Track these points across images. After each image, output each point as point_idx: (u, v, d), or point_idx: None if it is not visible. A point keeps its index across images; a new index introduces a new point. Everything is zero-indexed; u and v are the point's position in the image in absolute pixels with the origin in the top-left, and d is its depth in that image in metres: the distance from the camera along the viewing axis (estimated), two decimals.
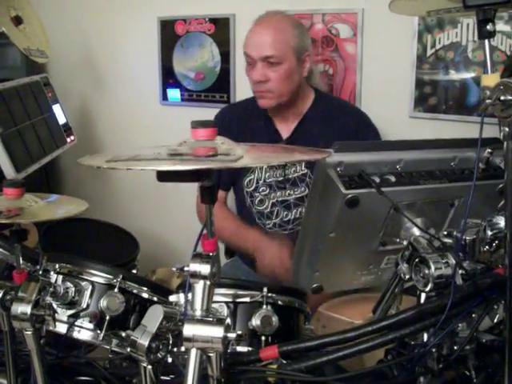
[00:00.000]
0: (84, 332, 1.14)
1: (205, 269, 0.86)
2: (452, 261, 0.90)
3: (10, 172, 1.87)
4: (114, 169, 0.76)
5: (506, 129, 0.86)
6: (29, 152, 1.99)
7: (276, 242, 1.81)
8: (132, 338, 0.95)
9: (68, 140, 2.36)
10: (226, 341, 0.84)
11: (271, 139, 1.93)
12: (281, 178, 1.91)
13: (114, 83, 2.73)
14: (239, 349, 1.05)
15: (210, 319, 0.85)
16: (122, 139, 2.75)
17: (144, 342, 0.94)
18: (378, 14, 2.02)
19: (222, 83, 2.45)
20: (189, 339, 0.84)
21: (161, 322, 0.95)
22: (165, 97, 2.61)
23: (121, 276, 1.17)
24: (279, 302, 1.10)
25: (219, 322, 0.85)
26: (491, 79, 0.90)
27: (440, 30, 1.91)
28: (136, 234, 2.27)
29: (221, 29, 2.38)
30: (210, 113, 2.10)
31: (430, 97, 1.99)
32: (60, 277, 1.13)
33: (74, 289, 1.12)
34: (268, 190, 1.93)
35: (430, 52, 1.95)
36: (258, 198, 1.95)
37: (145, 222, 2.76)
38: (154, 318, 0.97)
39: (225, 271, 2.10)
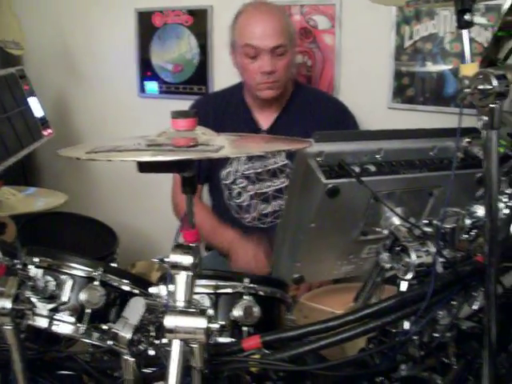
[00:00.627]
0: (64, 326, 1.12)
1: (186, 259, 0.86)
2: (432, 249, 0.91)
3: None
4: (94, 160, 0.75)
5: (485, 118, 0.87)
6: (5, 145, 1.95)
7: (252, 243, 1.81)
8: (113, 330, 0.94)
9: (45, 133, 2.32)
10: (208, 332, 0.84)
11: (250, 130, 1.92)
12: (260, 170, 1.91)
13: (91, 76, 2.69)
14: (221, 340, 1.04)
15: (193, 310, 0.85)
16: (100, 132, 2.72)
17: (126, 334, 0.93)
18: (356, 6, 2.03)
19: (200, 75, 2.43)
20: (171, 330, 0.84)
21: (142, 315, 0.94)
22: (142, 89, 2.59)
23: (101, 269, 1.15)
24: (260, 293, 1.10)
25: (202, 312, 0.84)
26: (469, 69, 0.91)
27: (417, 21, 1.93)
28: (115, 228, 2.25)
29: (198, 20, 2.37)
30: (188, 105, 2.09)
31: (408, 88, 2.01)
32: (40, 271, 1.11)
33: (54, 282, 1.10)
34: (246, 183, 1.93)
35: (407, 43, 1.97)
36: (236, 191, 1.94)
37: (124, 215, 2.74)
38: (135, 310, 0.96)
39: (204, 263, 2.10)
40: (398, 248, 0.93)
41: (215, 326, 0.84)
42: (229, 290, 1.08)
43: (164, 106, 2.53)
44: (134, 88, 2.60)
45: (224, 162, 1.95)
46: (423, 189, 1.12)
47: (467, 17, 0.89)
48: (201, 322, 0.83)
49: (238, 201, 1.95)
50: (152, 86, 2.57)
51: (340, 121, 1.92)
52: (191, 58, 2.44)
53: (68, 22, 2.66)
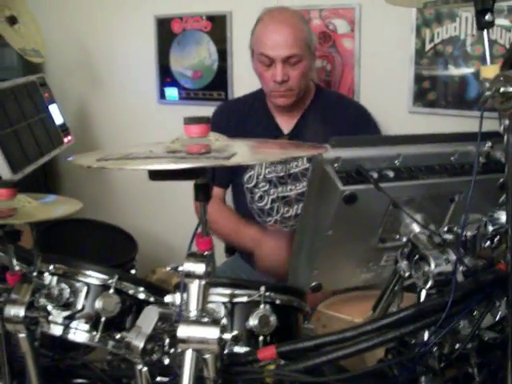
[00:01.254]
0: (79, 334, 1.12)
1: (199, 268, 0.85)
2: (453, 257, 0.88)
3: (6, 173, 1.86)
4: (104, 168, 0.74)
5: (506, 122, 0.84)
6: (25, 153, 1.97)
7: (275, 235, 1.79)
8: (127, 339, 0.93)
9: (65, 140, 2.34)
10: (221, 342, 0.82)
11: (272, 134, 1.91)
12: (282, 173, 1.90)
13: (111, 82, 2.71)
14: (237, 349, 1.03)
15: (205, 320, 0.83)
16: (120, 139, 2.73)
17: (139, 343, 0.92)
18: (376, 9, 2.00)
19: (219, 81, 2.43)
20: (183, 340, 0.82)
21: (156, 323, 0.93)
22: (162, 96, 2.59)
23: (116, 276, 1.15)
24: (277, 301, 1.08)
25: (214, 322, 0.83)
26: (490, 71, 0.88)
27: (438, 24, 1.89)
28: (135, 234, 2.26)
29: (217, 26, 2.37)
30: (207, 111, 2.07)
31: (429, 92, 1.97)
32: (55, 278, 1.11)
33: (68, 290, 1.10)
34: (268, 186, 1.92)
35: (428, 46, 1.93)
36: (258, 195, 1.94)
37: (144, 221, 2.74)
38: (148, 318, 0.95)
39: (225, 269, 2.09)
40: (416, 256, 0.90)
41: (228, 336, 0.82)
42: (244, 299, 1.06)
43: (184, 113, 2.52)
44: (153, 94, 2.61)
45: (246, 165, 1.94)
46: (444, 195, 1.09)
47: (488, 17, 0.86)
48: (213, 333, 0.81)
49: (260, 204, 1.94)
50: (172, 93, 2.58)
51: (361, 125, 1.90)
52: (210, 63, 2.44)
53: (88, 30, 2.69)
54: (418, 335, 0.89)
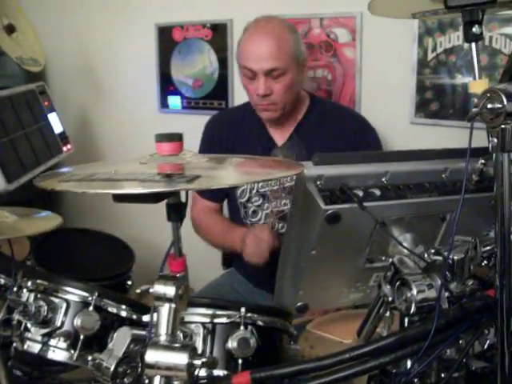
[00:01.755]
0: (58, 352, 1.09)
1: (169, 291, 0.81)
2: (437, 282, 0.84)
3: (0, 183, 1.84)
4: (66, 190, 0.71)
5: (495, 140, 0.80)
6: (21, 162, 1.95)
7: (257, 229, 1.79)
8: (97, 360, 0.90)
9: (64, 149, 2.32)
10: (191, 368, 0.79)
11: (265, 146, 1.87)
12: (276, 187, 1.85)
13: (112, 90, 2.70)
14: (216, 373, 0.99)
15: (175, 345, 0.80)
16: (121, 147, 2.72)
17: (110, 365, 0.89)
18: (377, 18, 1.92)
19: (220, 90, 2.40)
20: (151, 366, 0.79)
21: (128, 345, 0.90)
22: (163, 104, 2.57)
23: (96, 293, 1.12)
24: (259, 323, 1.04)
25: (184, 348, 0.79)
26: (479, 86, 0.84)
27: (441, 33, 1.84)
28: (134, 245, 2.24)
29: (218, 35, 2.34)
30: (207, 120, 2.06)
31: (432, 102, 1.93)
32: (32, 295, 1.09)
33: (46, 307, 1.07)
34: (261, 200, 1.87)
35: (430, 56, 1.88)
36: (251, 209, 1.89)
37: (144, 232, 2.72)
38: (121, 340, 0.92)
39: (221, 282, 2.05)
40: (398, 281, 0.85)
41: (198, 362, 0.79)
42: (224, 320, 1.03)
43: (184, 122, 2.51)
44: (154, 103, 2.59)
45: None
46: (435, 214, 1.05)
47: (475, 29, 0.82)
48: (182, 358, 0.78)
49: (253, 219, 1.89)
50: (175, 102, 2.55)
51: (359, 135, 1.84)
52: (211, 72, 2.41)
53: (90, 38, 2.68)
54: (400, 364, 0.85)
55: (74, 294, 1.12)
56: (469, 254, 0.88)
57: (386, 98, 2.03)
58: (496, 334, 0.83)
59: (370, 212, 0.95)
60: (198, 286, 2.34)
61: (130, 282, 2.16)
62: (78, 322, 1.09)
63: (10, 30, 1.94)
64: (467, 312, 0.83)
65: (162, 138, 0.80)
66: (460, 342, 0.84)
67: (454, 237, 0.91)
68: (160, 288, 0.81)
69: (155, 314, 0.83)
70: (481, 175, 1.03)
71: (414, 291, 0.81)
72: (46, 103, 2.27)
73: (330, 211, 0.93)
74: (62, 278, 1.15)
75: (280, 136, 1.88)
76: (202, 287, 2.08)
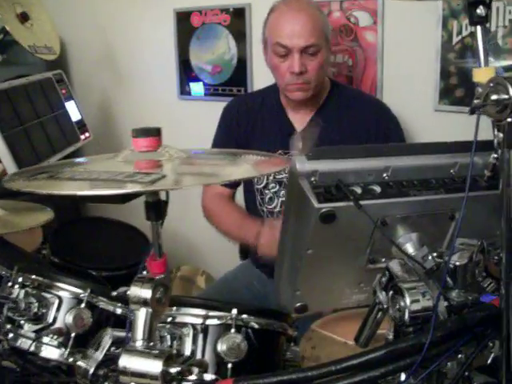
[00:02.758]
0: (49, 349, 1.06)
1: (145, 294, 0.77)
2: (436, 290, 0.77)
3: (12, 171, 1.84)
4: (33, 192, 0.67)
5: (501, 135, 0.72)
6: (35, 151, 1.95)
7: (272, 223, 1.71)
8: (78, 362, 0.87)
9: (82, 137, 2.31)
10: (166, 376, 0.74)
11: (284, 131, 1.82)
12: None
13: (132, 77, 2.67)
14: (206, 377, 0.94)
15: (150, 351, 0.75)
16: None
17: (89, 368, 0.86)
18: (399, 0, 1.85)
19: (239, 76, 2.34)
20: (125, 373, 0.75)
21: (109, 348, 0.86)
22: (183, 91, 2.53)
23: (89, 290, 1.09)
24: (253, 325, 0.99)
25: (159, 355, 0.75)
26: (483, 74, 0.76)
27: (467, 15, 1.73)
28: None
29: (236, 19, 2.27)
30: None
31: (457, 88, 1.82)
32: (22, 291, 1.06)
33: (37, 304, 1.05)
34: (278, 187, 1.82)
35: (455, 39, 1.77)
36: (268, 196, 1.84)
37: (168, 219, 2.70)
38: (103, 342, 0.88)
39: (237, 274, 2.01)
40: (392, 289, 0.79)
41: (174, 370, 0.74)
42: (215, 322, 0.98)
43: (204, 109, 2.47)
44: (173, 90, 2.54)
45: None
46: (442, 212, 0.97)
47: (480, 11, 0.73)
48: (156, 366, 0.73)
49: (269, 206, 1.85)
50: (198, 88, 2.50)
51: (380, 122, 1.77)
52: (230, 58, 2.35)
53: (110, 24, 2.65)
54: (394, 377, 0.78)
55: (66, 290, 1.09)
56: (474, 258, 0.81)
57: (408, 84, 1.93)
58: (500, 347, 0.76)
59: (368, 211, 0.89)
60: (216, 275, 2.31)
61: (145, 272, 2.14)
62: (69, 318, 1.06)
63: (24, 18, 1.93)
64: (468, 323, 0.76)
65: (139, 133, 0.75)
66: (460, 356, 0.77)
67: (459, 239, 0.84)
68: (136, 291, 0.77)
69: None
70: (493, 170, 0.94)
71: (408, 300, 0.75)
72: (63, 91, 2.26)
73: (323, 210, 0.86)
74: (55, 273, 1.12)
75: (300, 121, 1.83)
76: (218, 278, 2.06)
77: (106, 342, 0.86)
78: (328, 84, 1.84)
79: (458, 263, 0.78)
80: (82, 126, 2.32)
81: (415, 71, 1.91)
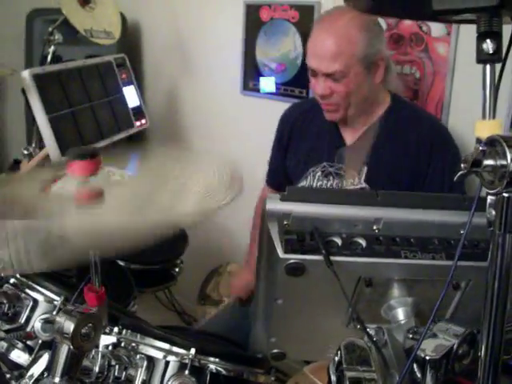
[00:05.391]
0: (17, 352, 1.03)
1: (68, 327, 0.69)
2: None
3: (55, 154, 1.85)
4: None
5: (493, 212, 0.56)
6: (81, 135, 1.95)
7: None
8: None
9: (137, 124, 2.30)
10: None
11: (333, 144, 1.69)
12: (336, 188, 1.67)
13: (199, 68, 2.61)
14: None
15: None
16: (200, 126, 2.66)
17: None
18: None
19: (302, 77, 2.20)
20: None
21: (41, 374, 0.81)
22: (245, 86, 2.44)
23: (62, 297, 1.04)
24: (212, 369, 0.89)
25: None
26: (488, 129, 0.60)
27: None
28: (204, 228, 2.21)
29: (304, 17, 2.14)
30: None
31: None
32: None
33: (7, 304, 1.02)
34: (329, 181, 1.71)
35: None
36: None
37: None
38: (41, 363, 0.83)
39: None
40: (338, 374, 0.66)
41: None
42: (174, 358, 0.89)
43: (264, 108, 2.37)
44: (237, 85, 2.46)
45: (300, 174, 1.75)
46: (443, 280, 0.81)
47: (486, 46, 0.57)
48: None
49: None
50: (269, 85, 2.39)
51: (436, 148, 1.58)
52: (295, 57, 2.22)
53: (183, 11, 2.60)
54: None
55: (42, 293, 1.06)
56: (454, 351, 0.66)
57: (478, 104, 1.71)
58: None
59: (348, 267, 0.76)
60: None
61: (177, 269, 2.11)
62: (38, 324, 1.02)
63: (85, 0, 1.92)
64: None
65: (74, 155, 0.67)
66: None
67: (441, 324, 0.69)
68: (60, 322, 0.70)
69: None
70: None
71: None
72: (123, 76, 2.25)
73: (290, 261, 0.75)
74: (34, 274, 1.08)
75: (351, 135, 1.69)
76: None
77: (43, 363, 0.81)
78: (387, 100, 1.67)
79: (427, 357, 0.63)
80: (139, 112, 2.31)
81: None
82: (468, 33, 1.69)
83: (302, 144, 1.79)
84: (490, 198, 0.56)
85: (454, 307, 0.83)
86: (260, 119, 2.39)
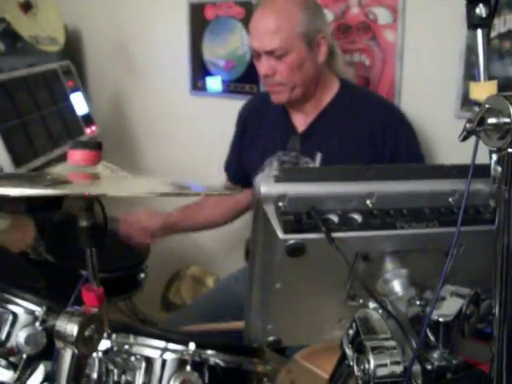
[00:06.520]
0: (0, 371, 0.98)
1: (71, 331, 0.66)
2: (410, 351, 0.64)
3: (8, 166, 1.78)
4: None
5: (499, 168, 0.58)
6: (33, 145, 1.88)
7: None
8: None
9: (87, 131, 2.24)
10: None
11: (285, 132, 1.71)
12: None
13: (144, 70, 2.57)
14: None
15: None
16: (150, 129, 2.62)
17: None
18: None
19: (251, 73, 2.21)
20: None
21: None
22: (194, 86, 2.42)
23: (45, 308, 0.99)
24: (213, 362, 0.88)
25: None
26: (483, 90, 0.63)
27: (496, 15, 1.56)
28: None
29: (250, 13, 2.14)
30: (238, 105, 1.91)
31: None
32: None
33: None
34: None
35: None
36: None
37: None
38: (37, 375, 0.79)
39: (238, 277, 1.92)
40: (357, 346, 0.66)
41: None
42: (172, 356, 0.87)
43: (215, 106, 2.36)
44: (185, 85, 2.44)
45: (258, 166, 1.75)
46: (436, 248, 0.83)
47: (479, 11, 0.59)
48: None
49: None
50: (215, 84, 2.38)
51: (387, 125, 1.59)
52: (243, 53, 2.23)
53: (124, 14, 2.55)
54: None
55: (21, 306, 1.00)
56: (463, 313, 0.67)
57: (429, 88, 1.78)
58: None
59: (347, 243, 0.76)
60: (223, 277, 2.21)
61: (142, 275, 2.06)
62: (20, 339, 0.97)
63: (27, 7, 1.85)
64: None
65: (75, 145, 0.65)
66: None
67: (448, 287, 0.71)
68: (62, 326, 0.67)
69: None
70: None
71: (372, 364, 0.62)
72: (69, 83, 2.19)
73: (290, 241, 0.74)
74: (12, 286, 1.03)
75: (301, 122, 1.71)
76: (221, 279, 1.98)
77: (39, 376, 0.77)
78: (336, 83, 1.69)
79: (441, 319, 0.65)
80: (88, 119, 2.25)
81: (437, 74, 1.75)
82: (413, 19, 1.76)
83: (257, 138, 1.81)
84: (494, 156, 0.58)
85: (445, 274, 0.86)
86: (211, 118, 2.38)
